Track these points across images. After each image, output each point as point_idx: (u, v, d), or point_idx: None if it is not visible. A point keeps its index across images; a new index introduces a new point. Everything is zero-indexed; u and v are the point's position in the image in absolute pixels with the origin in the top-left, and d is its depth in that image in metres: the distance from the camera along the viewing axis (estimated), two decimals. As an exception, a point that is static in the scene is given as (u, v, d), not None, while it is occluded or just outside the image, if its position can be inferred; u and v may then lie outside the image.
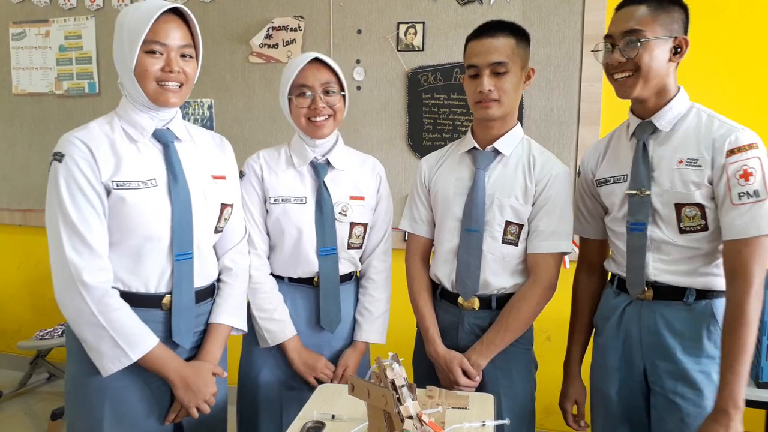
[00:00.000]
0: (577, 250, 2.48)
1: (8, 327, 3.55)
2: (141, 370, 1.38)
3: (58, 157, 1.33)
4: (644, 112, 1.48)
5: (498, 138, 1.62)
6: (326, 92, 1.63)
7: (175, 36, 1.35)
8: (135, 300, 1.38)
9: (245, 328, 1.61)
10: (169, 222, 1.38)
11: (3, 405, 3.14)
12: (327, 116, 1.64)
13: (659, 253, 1.46)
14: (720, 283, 1.42)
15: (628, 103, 1.53)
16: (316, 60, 1.62)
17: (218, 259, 1.58)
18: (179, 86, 1.38)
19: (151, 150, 1.41)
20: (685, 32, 1.43)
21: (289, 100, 1.64)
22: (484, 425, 1.30)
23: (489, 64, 1.52)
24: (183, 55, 1.37)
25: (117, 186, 1.34)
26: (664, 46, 1.39)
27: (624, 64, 1.41)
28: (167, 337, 1.42)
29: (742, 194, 1.33)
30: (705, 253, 1.42)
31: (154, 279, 1.40)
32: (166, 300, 1.41)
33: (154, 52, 1.34)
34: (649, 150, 1.47)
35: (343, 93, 1.67)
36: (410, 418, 1.02)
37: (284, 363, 1.71)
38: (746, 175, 1.33)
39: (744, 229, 1.33)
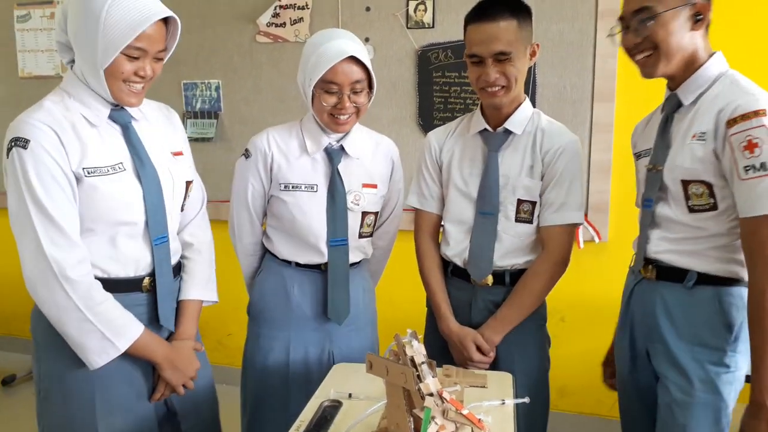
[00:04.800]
0: (589, 228, 2.48)
1: (20, 311, 3.51)
2: (125, 353, 1.36)
3: (22, 142, 1.24)
4: (675, 86, 1.41)
5: (508, 117, 1.59)
6: (354, 91, 1.55)
7: (156, 43, 1.30)
8: (115, 285, 1.36)
9: (216, 299, 1.59)
10: (143, 206, 1.36)
11: (17, 388, 3.16)
12: (350, 114, 1.57)
13: (664, 230, 1.40)
14: (732, 270, 1.32)
15: (643, 79, 1.46)
16: (350, 57, 1.51)
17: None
18: (142, 87, 1.34)
19: (111, 132, 1.37)
20: None
21: (313, 92, 1.55)
22: (503, 404, 1.29)
23: (492, 54, 1.48)
24: (155, 57, 1.34)
25: (88, 173, 1.29)
26: (681, 17, 1.29)
27: (641, 44, 1.33)
28: (150, 319, 1.42)
29: (747, 168, 1.21)
30: (712, 235, 1.32)
31: (133, 263, 1.38)
32: (146, 282, 1.40)
33: (130, 55, 1.28)
34: (672, 124, 1.41)
35: (371, 91, 1.59)
36: (431, 395, 1.00)
37: (290, 346, 1.68)
38: (751, 147, 1.21)
39: (753, 206, 1.22)
